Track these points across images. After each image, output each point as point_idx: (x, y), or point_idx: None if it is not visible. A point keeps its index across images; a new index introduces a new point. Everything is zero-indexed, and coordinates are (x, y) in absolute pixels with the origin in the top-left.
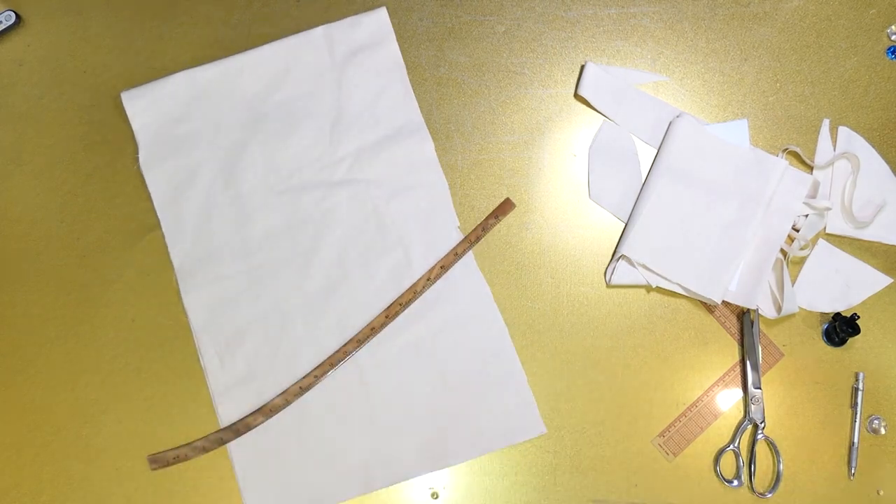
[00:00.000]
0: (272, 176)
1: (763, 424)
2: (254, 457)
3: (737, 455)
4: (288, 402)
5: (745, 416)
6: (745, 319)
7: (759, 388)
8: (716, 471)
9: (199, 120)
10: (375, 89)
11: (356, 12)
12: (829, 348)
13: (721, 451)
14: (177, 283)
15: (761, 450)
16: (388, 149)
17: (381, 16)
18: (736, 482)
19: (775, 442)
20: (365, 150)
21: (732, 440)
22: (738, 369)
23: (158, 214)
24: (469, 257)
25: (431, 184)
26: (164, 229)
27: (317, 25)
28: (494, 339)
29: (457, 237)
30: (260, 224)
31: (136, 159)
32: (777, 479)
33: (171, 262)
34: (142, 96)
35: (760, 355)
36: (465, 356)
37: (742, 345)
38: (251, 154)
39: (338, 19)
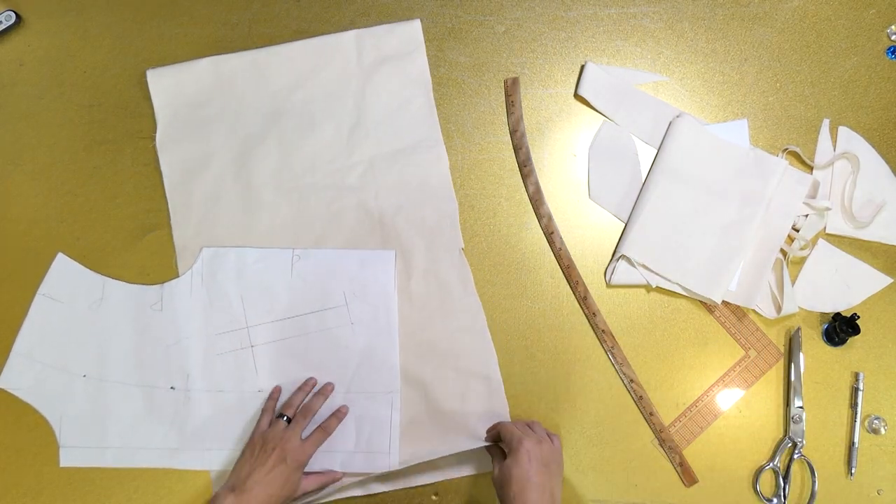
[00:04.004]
0: (285, 172)
1: (802, 444)
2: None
3: (776, 474)
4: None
5: (785, 435)
6: (793, 339)
7: (802, 408)
8: (755, 489)
9: (220, 107)
10: (399, 100)
11: (356, 12)
12: (829, 348)
13: (761, 469)
14: (176, 266)
15: (797, 469)
16: (403, 161)
17: (414, 27)
18: (775, 500)
19: (812, 462)
20: (380, 158)
21: (772, 458)
22: (737, 369)
23: (167, 195)
24: (469, 282)
25: (442, 203)
26: (170, 210)
27: (317, 25)
28: (483, 365)
29: (460, 260)
30: (266, 218)
31: (153, 137)
32: (811, 498)
33: (172, 262)
34: (167, 76)
35: (803, 375)
36: (450, 376)
37: (788, 364)
38: (267, 148)
39: (338, 20)
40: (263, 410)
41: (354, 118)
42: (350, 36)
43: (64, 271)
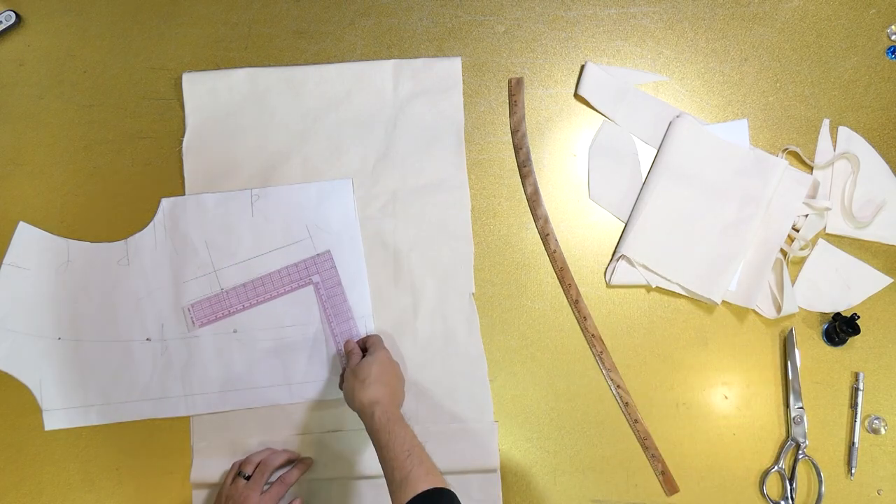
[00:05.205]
0: None
1: (805, 444)
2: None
3: (783, 476)
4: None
5: (787, 437)
6: (788, 340)
7: (803, 408)
8: (761, 491)
9: (251, 119)
10: (429, 136)
11: (356, 12)
12: (829, 348)
13: (767, 472)
14: None
15: (800, 469)
16: (425, 198)
17: (454, 64)
18: (782, 503)
19: (817, 462)
20: (403, 192)
21: (777, 460)
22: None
23: None
24: (475, 327)
25: (459, 244)
26: None
27: (316, 26)
28: (478, 411)
29: (469, 304)
30: None
31: (181, 141)
32: (819, 499)
33: None
34: (202, 82)
35: (800, 375)
36: (444, 419)
37: (785, 366)
38: (291, 166)
39: (338, 19)
40: (229, 469)
41: (383, 148)
42: (388, 65)
43: (27, 239)
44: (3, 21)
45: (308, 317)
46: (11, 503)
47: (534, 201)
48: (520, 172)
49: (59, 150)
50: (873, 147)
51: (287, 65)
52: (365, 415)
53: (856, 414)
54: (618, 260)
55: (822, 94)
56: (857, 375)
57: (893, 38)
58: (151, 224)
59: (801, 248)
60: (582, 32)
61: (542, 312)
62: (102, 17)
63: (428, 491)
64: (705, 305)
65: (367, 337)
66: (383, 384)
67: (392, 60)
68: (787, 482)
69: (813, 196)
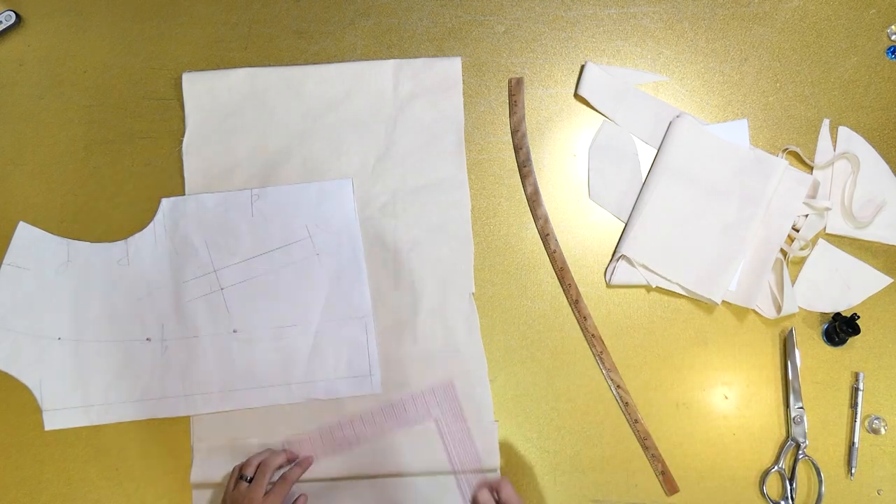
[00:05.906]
0: None
1: (805, 444)
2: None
3: (783, 476)
4: None
5: (787, 436)
6: (788, 340)
7: (803, 408)
8: (761, 491)
9: (251, 119)
10: (429, 135)
11: (356, 12)
12: (829, 348)
13: (767, 472)
14: None
15: (800, 469)
16: (424, 198)
17: (454, 64)
18: (783, 503)
19: (817, 462)
20: (402, 192)
21: (777, 460)
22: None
23: None
24: (475, 328)
25: (459, 244)
26: None
27: (316, 26)
28: (477, 411)
29: (469, 305)
30: None
31: (180, 141)
32: (819, 499)
33: None
34: (201, 82)
35: (801, 375)
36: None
37: (785, 366)
38: (291, 166)
39: (338, 19)
40: (230, 473)
41: (383, 148)
42: (389, 65)
43: (27, 239)
44: (3, 21)
45: (308, 317)
46: (11, 503)
47: (534, 201)
48: (520, 172)
49: (59, 150)
50: (873, 147)
51: (287, 65)
52: None
53: (856, 414)
54: (618, 260)
55: (822, 94)
56: (857, 375)
57: (893, 38)
58: (151, 224)
59: (801, 248)
60: (582, 32)
61: (542, 312)
62: (102, 17)
63: None
64: (705, 305)
65: (500, 484)
66: None
67: (392, 60)
68: (787, 482)
69: (813, 196)
